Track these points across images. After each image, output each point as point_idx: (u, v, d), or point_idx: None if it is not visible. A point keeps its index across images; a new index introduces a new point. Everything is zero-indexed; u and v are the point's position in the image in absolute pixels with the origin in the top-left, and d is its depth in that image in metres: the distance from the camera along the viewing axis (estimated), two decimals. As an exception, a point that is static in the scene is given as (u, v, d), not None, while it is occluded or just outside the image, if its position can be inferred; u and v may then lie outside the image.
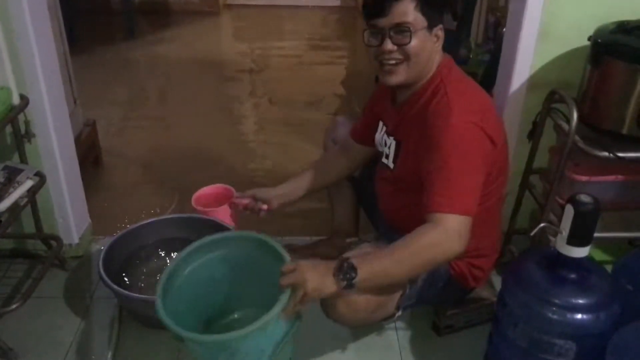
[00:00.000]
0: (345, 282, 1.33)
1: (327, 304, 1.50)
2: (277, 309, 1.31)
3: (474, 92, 1.54)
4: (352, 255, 1.39)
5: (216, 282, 1.59)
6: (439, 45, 1.53)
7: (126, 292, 1.73)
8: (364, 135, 1.84)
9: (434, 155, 1.43)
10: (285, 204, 1.86)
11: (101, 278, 1.73)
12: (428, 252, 1.37)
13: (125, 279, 1.89)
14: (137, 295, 1.76)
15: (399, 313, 1.62)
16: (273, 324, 1.34)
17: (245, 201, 1.85)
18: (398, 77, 1.52)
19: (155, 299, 1.40)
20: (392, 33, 1.46)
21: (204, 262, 1.57)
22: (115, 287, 1.70)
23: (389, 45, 1.47)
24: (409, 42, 1.46)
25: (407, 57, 1.48)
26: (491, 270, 1.76)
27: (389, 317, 1.63)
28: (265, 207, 1.83)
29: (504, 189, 1.66)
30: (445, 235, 1.36)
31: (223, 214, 1.88)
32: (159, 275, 1.92)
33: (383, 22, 1.46)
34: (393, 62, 1.49)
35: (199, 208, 1.89)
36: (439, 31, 1.51)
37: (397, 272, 1.40)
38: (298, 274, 1.33)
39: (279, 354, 1.40)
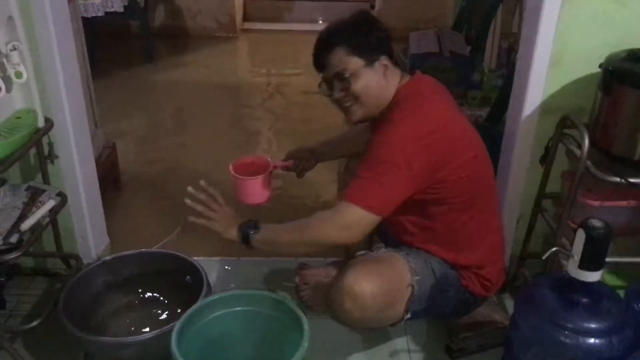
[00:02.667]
0: (242, 235, 1.63)
1: (334, 305, 1.55)
2: None
3: (425, 112, 1.56)
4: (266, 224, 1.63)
5: (228, 337, 1.66)
6: (390, 72, 1.61)
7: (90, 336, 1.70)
8: None
9: (366, 157, 1.56)
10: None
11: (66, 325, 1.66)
12: (316, 238, 1.56)
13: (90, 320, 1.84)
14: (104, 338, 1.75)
15: (408, 316, 1.64)
16: None
17: (289, 164, 1.96)
18: (356, 115, 1.65)
19: (172, 348, 1.48)
20: (336, 82, 1.61)
21: (218, 316, 1.65)
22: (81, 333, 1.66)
23: (337, 93, 1.62)
24: (351, 85, 1.59)
25: (356, 98, 1.61)
26: (501, 280, 1.77)
27: (398, 321, 1.66)
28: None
29: (488, 200, 1.69)
30: (336, 226, 1.53)
31: (260, 184, 1.86)
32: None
33: (326, 74, 1.63)
34: (347, 104, 1.63)
35: (239, 177, 1.85)
36: (383, 62, 1.59)
37: (287, 248, 1.67)
38: (214, 214, 1.68)
39: None
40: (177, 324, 1.54)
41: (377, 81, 1.60)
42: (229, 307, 1.67)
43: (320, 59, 1.63)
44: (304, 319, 1.54)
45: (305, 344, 1.47)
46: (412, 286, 1.60)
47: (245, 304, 1.67)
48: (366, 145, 1.66)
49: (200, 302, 1.64)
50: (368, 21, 1.63)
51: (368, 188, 1.52)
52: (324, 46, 1.62)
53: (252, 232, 1.63)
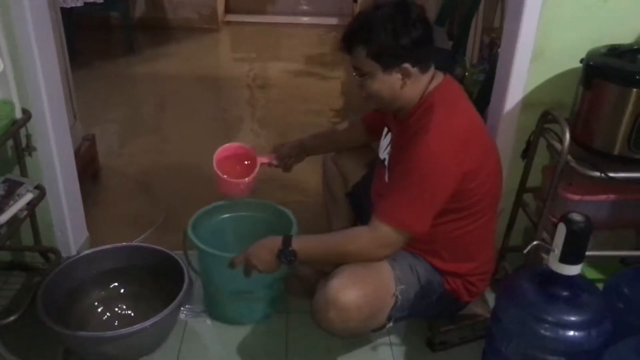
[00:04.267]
0: (286, 264, 1.58)
1: (318, 313, 1.54)
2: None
3: (462, 118, 1.55)
4: (296, 238, 1.60)
5: (234, 236, 2.00)
6: (413, 79, 1.53)
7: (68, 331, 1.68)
8: (371, 122, 1.92)
9: (401, 167, 1.53)
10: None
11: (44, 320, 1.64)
12: (353, 256, 1.57)
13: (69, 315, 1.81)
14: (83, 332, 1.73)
15: (390, 324, 1.64)
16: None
17: (275, 162, 1.95)
18: (370, 106, 1.70)
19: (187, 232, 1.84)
20: (355, 72, 1.59)
21: (229, 218, 2.03)
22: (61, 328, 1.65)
23: (354, 79, 1.60)
24: (364, 85, 1.57)
25: (367, 95, 1.59)
26: (486, 286, 1.79)
27: (380, 328, 1.65)
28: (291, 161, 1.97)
29: (494, 208, 1.68)
30: (372, 245, 1.54)
31: (245, 184, 1.86)
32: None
33: (350, 60, 1.58)
34: (363, 94, 1.61)
35: (225, 178, 1.83)
36: (404, 70, 1.51)
37: (327, 262, 1.65)
38: (244, 258, 1.62)
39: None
40: (191, 221, 1.88)
41: (390, 88, 1.54)
42: (235, 211, 2.03)
43: (344, 47, 1.57)
44: (294, 220, 1.88)
45: (295, 230, 1.83)
46: (397, 296, 1.59)
47: (249, 210, 2.03)
48: (395, 149, 1.64)
49: (209, 206, 1.99)
50: (400, 21, 1.48)
51: (405, 206, 1.50)
52: (347, 38, 1.56)
53: (293, 262, 1.58)
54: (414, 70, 1.52)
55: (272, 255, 1.58)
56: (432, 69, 1.58)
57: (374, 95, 1.58)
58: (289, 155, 1.94)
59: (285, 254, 1.56)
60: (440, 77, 1.59)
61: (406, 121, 1.60)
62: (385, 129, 1.78)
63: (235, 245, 1.85)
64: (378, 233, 1.52)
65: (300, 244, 1.58)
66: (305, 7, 5.62)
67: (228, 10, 5.55)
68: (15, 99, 1.75)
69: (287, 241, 1.57)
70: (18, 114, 1.77)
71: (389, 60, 1.51)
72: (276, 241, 1.58)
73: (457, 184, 1.50)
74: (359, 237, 1.56)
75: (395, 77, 1.53)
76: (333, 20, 5.43)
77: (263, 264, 1.60)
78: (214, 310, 1.94)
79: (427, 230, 1.52)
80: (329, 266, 1.64)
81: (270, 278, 1.76)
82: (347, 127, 2.00)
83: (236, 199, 2.00)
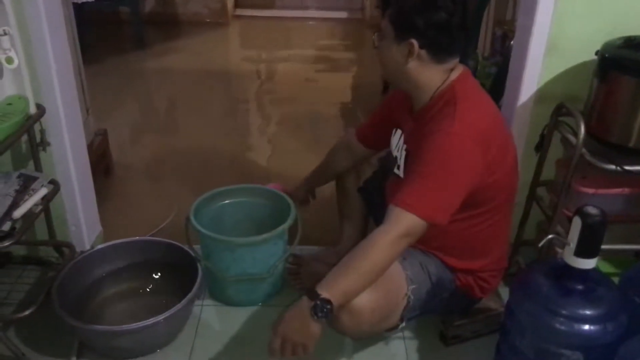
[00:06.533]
0: (324, 318, 1.37)
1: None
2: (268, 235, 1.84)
3: (484, 111, 1.54)
4: (319, 286, 1.40)
5: (235, 222, 2.05)
6: (419, 63, 1.51)
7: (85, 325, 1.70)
8: (368, 136, 1.91)
9: (423, 157, 1.47)
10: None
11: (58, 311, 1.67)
12: (385, 263, 1.43)
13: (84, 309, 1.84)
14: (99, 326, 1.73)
15: (403, 324, 1.63)
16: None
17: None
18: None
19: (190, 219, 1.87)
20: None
21: (228, 204, 2.07)
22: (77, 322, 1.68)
23: (374, 40, 1.60)
24: (378, 44, 1.57)
25: (378, 59, 1.60)
26: (499, 282, 1.78)
27: (393, 328, 1.65)
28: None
29: (510, 206, 1.67)
30: (391, 237, 1.41)
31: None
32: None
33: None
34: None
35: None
36: (411, 46, 1.49)
37: (363, 286, 1.43)
38: (279, 338, 1.39)
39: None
40: (192, 208, 1.91)
41: (395, 60, 1.53)
42: (234, 197, 2.07)
43: (380, 4, 1.60)
44: (292, 204, 1.95)
45: (293, 213, 1.90)
46: (409, 296, 1.57)
47: (247, 195, 2.08)
48: (413, 143, 1.60)
49: (209, 192, 2.03)
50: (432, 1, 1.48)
51: (427, 194, 1.43)
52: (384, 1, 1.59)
53: (330, 311, 1.38)
54: (421, 51, 1.49)
55: (306, 319, 1.37)
56: (451, 62, 1.54)
57: (381, 62, 1.59)
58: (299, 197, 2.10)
59: (319, 307, 1.36)
60: (460, 69, 1.57)
61: (426, 114, 1.56)
62: (395, 129, 1.76)
63: (235, 230, 1.97)
64: (396, 222, 1.41)
65: (327, 286, 1.39)
66: (314, 1, 5.61)
67: (237, 4, 5.56)
68: (29, 94, 1.76)
69: (313, 294, 1.38)
70: (32, 109, 1.77)
71: (401, 28, 1.50)
72: (301, 303, 1.39)
73: (480, 175, 1.48)
74: (377, 237, 1.42)
75: (402, 50, 1.51)
76: (342, 14, 5.42)
77: (301, 334, 1.39)
78: (217, 293, 1.97)
79: (447, 221, 1.45)
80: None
81: (273, 259, 1.89)
82: (341, 156, 2.01)
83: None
